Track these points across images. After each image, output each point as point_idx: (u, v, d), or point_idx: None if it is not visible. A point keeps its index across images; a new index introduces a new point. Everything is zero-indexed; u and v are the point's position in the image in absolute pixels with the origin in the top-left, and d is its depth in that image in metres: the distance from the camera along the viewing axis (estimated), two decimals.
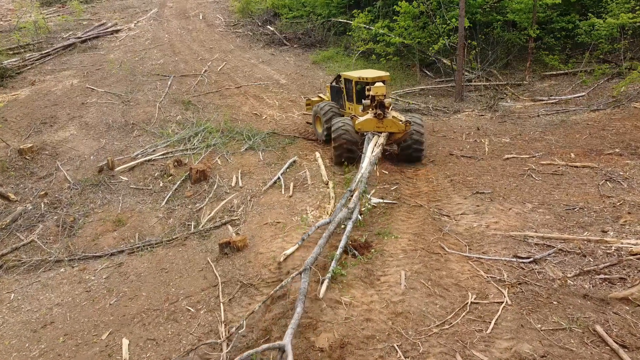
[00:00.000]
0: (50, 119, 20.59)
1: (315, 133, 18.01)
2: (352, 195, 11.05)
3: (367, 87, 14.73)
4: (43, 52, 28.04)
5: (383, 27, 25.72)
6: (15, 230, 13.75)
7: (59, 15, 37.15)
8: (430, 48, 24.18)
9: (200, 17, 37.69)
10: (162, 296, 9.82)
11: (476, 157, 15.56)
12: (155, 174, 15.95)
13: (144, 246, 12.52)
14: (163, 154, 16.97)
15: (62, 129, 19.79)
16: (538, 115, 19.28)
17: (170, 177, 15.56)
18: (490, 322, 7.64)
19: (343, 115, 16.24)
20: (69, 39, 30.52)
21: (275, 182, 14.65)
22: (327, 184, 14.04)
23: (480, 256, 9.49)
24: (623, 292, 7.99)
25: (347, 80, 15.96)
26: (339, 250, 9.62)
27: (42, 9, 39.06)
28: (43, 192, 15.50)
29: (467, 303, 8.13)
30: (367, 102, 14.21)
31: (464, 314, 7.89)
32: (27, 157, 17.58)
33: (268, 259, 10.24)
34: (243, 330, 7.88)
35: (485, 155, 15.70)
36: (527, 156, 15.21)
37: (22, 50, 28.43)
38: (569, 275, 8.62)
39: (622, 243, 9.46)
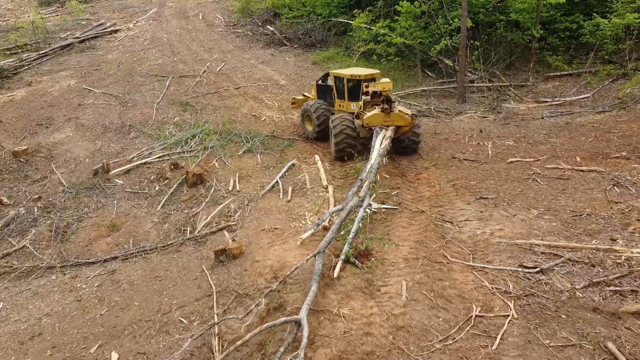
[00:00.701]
0: (46, 121, 20.28)
1: (304, 131, 18.15)
2: (362, 185, 11.54)
3: (366, 84, 15.01)
4: (40, 52, 27.74)
5: (384, 27, 25.35)
6: (7, 235, 13.40)
7: (57, 15, 36.86)
8: (432, 48, 23.82)
9: (200, 17, 37.39)
10: (155, 306, 9.48)
11: (479, 160, 15.19)
12: (151, 178, 15.61)
13: (138, 252, 12.19)
14: (159, 157, 16.64)
15: (57, 130, 19.47)
16: (542, 117, 18.90)
17: (166, 181, 15.22)
18: (495, 337, 7.29)
19: (333, 113, 16.56)
20: (66, 39, 30.22)
21: (273, 186, 14.30)
22: (326, 188, 13.69)
23: (485, 265, 9.14)
24: (635, 305, 7.64)
25: (338, 78, 16.16)
26: (352, 235, 9.98)
27: (41, 9, 38.73)
28: (37, 196, 15.16)
29: (471, 316, 7.78)
30: (367, 98, 14.65)
31: (468, 328, 7.54)
32: (21, 159, 17.25)
33: (264, 268, 9.89)
34: (238, 345, 7.52)
35: (488, 158, 15.33)
36: (532, 160, 14.85)
37: (20, 50, 28.12)
38: (577, 286, 8.26)
39: (632, 252, 9.10)
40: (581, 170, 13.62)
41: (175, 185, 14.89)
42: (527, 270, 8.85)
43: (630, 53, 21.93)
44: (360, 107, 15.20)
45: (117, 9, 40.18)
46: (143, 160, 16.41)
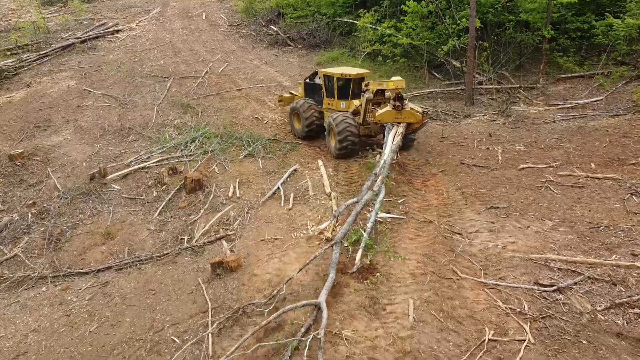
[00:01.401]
0: (44, 123, 19.85)
1: (292, 130, 18.25)
2: (376, 179, 11.90)
3: (365, 82, 15.22)
4: (41, 52, 27.33)
5: (390, 27, 24.75)
6: None
7: (59, 15, 36.49)
8: (439, 49, 23.20)
9: (203, 17, 36.89)
10: (147, 323, 8.97)
11: (489, 166, 14.59)
12: (149, 183, 15.13)
13: (132, 262, 11.70)
14: (158, 161, 16.15)
15: (55, 133, 19.03)
16: (554, 121, 18.26)
17: (164, 187, 14.73)
18: None
19: (321, 112, 17.00)
20: (68, 39, 29.80)
21: (274, 193, 13.78)
22: (329, 196, 13.15)
23: (498, 283, 8.56)
24: None
25: (327, 77, 16.33)
26: (369, 225, 10.35)
27: (43, 9, 38.39)
28: (31, 202, 14.71)
29: (484, 340, 7.21)
30: (369, 96, 14.86)
31: (480, 354, 6.98)
32: (17, 163, 16.82)
33: (263, 282, 9.36)
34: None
35: (498, 164, 14.73)
36: (544, 166, 14.23)
37: (20, 50, 27.72)
38: (598, 308, 7.68)
39: None
40: (597, 178, 13.00)
41: (174, 192, 14.39)
42: (543, 288, 8.28)
43: None
44: (361, 105, 15.27)
45: (120, 9, 39.78)
46: (141, 165, 15.92)
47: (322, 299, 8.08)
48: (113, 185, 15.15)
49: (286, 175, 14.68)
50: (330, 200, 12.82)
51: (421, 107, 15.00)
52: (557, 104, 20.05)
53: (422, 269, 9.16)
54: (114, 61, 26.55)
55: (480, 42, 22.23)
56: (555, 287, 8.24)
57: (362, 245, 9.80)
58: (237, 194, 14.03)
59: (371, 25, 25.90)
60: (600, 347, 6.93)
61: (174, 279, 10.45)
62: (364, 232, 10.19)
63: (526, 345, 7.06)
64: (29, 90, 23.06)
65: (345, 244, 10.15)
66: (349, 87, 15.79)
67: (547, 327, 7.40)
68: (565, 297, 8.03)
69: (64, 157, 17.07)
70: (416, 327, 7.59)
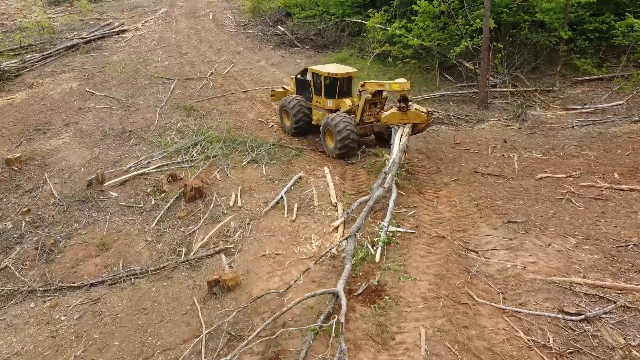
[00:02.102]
0: (45, 126, 19.34)
1: (282, 126, 18.41)
2: (386, 177, 12.26)
3: (361, 82, 15.52)
4: (44, 53, 26.91)
5: (400, 27, 23.98)
6: None
7: (65, 15, 36.14)
8: (452, 51, 22.38)
9: (210, 17, 36.38)
10: (137, 348, 8.33)
11: (505, 175, 13.80)
12: (148, 190, 14.50)
13: (127, 276, 11.08)
14: (158, 167, 15.52)
15: (55, 136, 18.50)
16: (572, 127, 17.40)
17: (163, 195, 14.09)
18: None
19: (310, 109, 17.09)
20: (72, 39, 29.37)
21: (277, 202, 13.09)
22: (335, 206, 12.44)
23: (518, 309, 7.81)
24: None
25: (316, 75, 16.36)
26: (387, 223, 10.72)
27: (50, 9, 38.08)
28: (26, 209, 14.16)
29: None
30: (368, 96, 15.01)
31: None
32: (14, 167, 16.30)
33: (262, 304, 8.67)
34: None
35: (515, 173, 13.92)
36: (564, 175, 13.41)
37: (24, 51, 27.32)
38: (633, 342, 6.90)
39: None
40: (621, 190, 12.17)
41: (172, 200, 13.75)
42: (569, 317, 7.50)
43: None
44: (357, 105, 15.48)
45: (127, 9, 39.39)
46: (140, 171, 15.31)
47: (340, 287, 8.33)
48: (110, 192, 14.55)
49: (290, 183, 14.00)
50: (336, 211, 12.11)
51: (426, 108, 15.08)
52: (576, 109, 19.17)
53: (434, 292, 8.42)
54: (118, 62, 26.06)
55: (495, 43, 21.37)
56: (582, 317, 7.47)
57: (381, 242, 10.12)
58: (239, 203, 13.37)
59: (381, 26, 25.14)
60: None
61: (168, 296, 9.80)
62: (382, 230, 10.51)
63: None
64: (31, 92, 22.61)
65: (353, 261, 9.45)
66: (335, 86, 15.82)
67: None
68: (594, 329, 7.26)
69: (62, 162, 16.52)
70: None
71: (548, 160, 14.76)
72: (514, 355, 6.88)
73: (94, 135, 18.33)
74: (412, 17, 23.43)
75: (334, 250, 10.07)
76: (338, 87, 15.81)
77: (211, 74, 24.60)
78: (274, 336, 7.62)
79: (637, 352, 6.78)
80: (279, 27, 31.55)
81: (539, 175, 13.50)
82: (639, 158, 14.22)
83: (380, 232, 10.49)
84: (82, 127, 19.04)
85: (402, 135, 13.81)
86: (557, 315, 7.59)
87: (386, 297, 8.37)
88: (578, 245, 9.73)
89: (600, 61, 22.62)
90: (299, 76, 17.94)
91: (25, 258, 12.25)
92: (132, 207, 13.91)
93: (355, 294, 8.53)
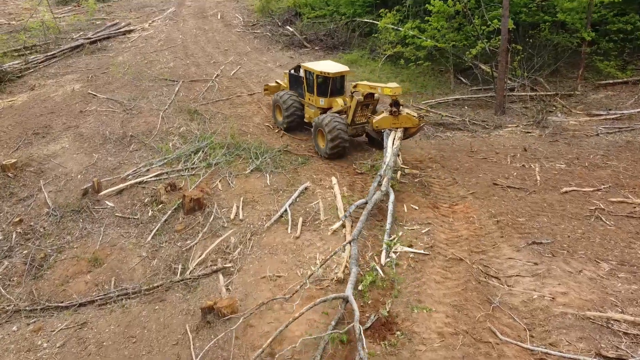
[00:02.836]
0: (44, 129, 18.70)
1: (275, 121, 18.34)
2: (382, 181, 12.20)
3: (354, 84, 15.30)
4: (48, 54, 26.33)
5: (413, 28, 23.00)
6: None
7: (72, 15, 35.64)
8: (467, 52, 21.36)
9: (219, 17, 35.64)
10: None
11: (526, 188, 12.81)
12: (145, 200, 13.75)
13: (118, 297, 10.31)
14: (157, 175, 14.75)
15: (54, 140, 17.85)
16: (597, 134, 16.33)
17: (160, 205, 13.32)
18: None
19: (303, 105, 17.05)
20: (77, 40, 28.78)
21: (281, 216, 12.24)
22: (343, 222, 11.54)
23: (548, 351, 6.87)
24: None
25: (308, 72, 16.26)
26: (388, 226, 10.82)
27: (57, 9, 37.63)
28: (18, 219, 13.49)
29: None
30: (360, 97, 14.83)
31: None
32: (9, 174, 15.65)
33: (260, 337, 7.83)
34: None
35: (537, 186, 12.93)
36: (591, 189, 12.40)
37: (28, 52, 26.77)
38: None
39: None
40: None
41: (170, 212, 12.98)
42: None
43: None
44: (348, 105, 15.38)
45: (134, 8, 38.79)
46: (138, 179, 14.55)
47: (349, 292, 8.20)
48: (106, 202, 13.82)
49: (295, 194, 13.15)
50: (344, 227, 11.22)
51: (417, 112, 15.21)
52: (600, 114, 18.07)
53: (452, 327, 7.51)
54: (122, 63, 25.39)
55: (514, 45, 20.32)
56: None
57: (385, 247, 10.13)
58: (240, 216, 12.54)
59: (393, 26, 24.19)
60: None
61: (159, 323, 9.00)
62: (385, 234, 10.59)
63: None
64: (32, 94, 22.01)
65: (360, 287, 8.57)
66: (328, 85, 15.73)
67: None
68: None
69: (59, 169, 15.83)
70: None
71: (572, 171, 13.73)
72: None
73: (93, 140, 17.64)
74: (426, 18, 22.45)
75: (340, 274, 9.19)
76: (330, 85, 15.71)
77: (217, 75, 23.82)
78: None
79: None
80: (288, 27, 30.70)
81: (564, 189, 12.49)
82: None
83: (391, 254, 9.57)
84: (82, 131, 18.36)
85: (394, 139, 13.83)
86: None
87: (398, 333, 7.48)
88: (612, 272, 8.75)
89: (625, 63, 21.51)
90: (292, 71, 17.74)
91: (13, 273, 11.57)
92: (128, 218, 13.16)
93: (364, 327, 7.63)
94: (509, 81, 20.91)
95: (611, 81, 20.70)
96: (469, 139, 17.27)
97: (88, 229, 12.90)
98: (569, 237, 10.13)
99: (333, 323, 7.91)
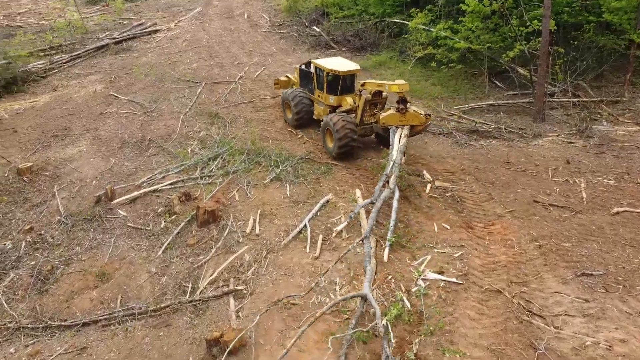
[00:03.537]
0: (63, 131, 18.35)
1: (284, 117, 18.28)
2: (388, 179, 12.07)
3: (361, 82, 15.14)
4: (73, 54, 26.15)
5: (445, 29, 21.77)
6: None
7: (100, 15, 35.64)
8: (504, 55, 20.03)
9: (245, 17, 35.02)
10: None
11: (571, 207, 11.57)
12: (159, 210, 13.08)
13: (123, 317, 9.62)
14: (172, 183, 14.08)
15: (72, 143, 17.45)
16: None
17: (174, 216, 12.62)
18: None
19: (312, 102, 16.89)
20: (103, 39, 28.58)
21: (300, 232, 11.35)
22: (367, 238, 10.56)
23: None
24: None
25: (319, 69, 16.09)
26: (392, 223, 10.84)
27: (86, 8, 37.75)
28: (28, 227, 13.00)
29: None
30: (367, 96, 14.73)
31: None
32: (25, 178, 15.28)
33: None
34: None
35: (583, 205, 11.67)
36: None
37: (53, 52, 26.67)
38: None
39: None
40: None
41: (183, 224, 12.26)
42: None
43: None
44: (357, 104, 15.21)
45: (162, 8, 38.58)
46: (153, 187, 13.90)
47: (367, 290, 8.25)
48: (119, 211, 13.21)
49: (316, 208, 12.25)
50: (369, 247, 10.25)
51: (424, 110, 14.88)
52: None
53: None
54: (146, 64, 24.99)
55: (556, 47, 18.92)
56: None
57: (389, 243, 10.34)
58: (257, 231, 11.71)
59: (424, 27, 23.00)
60: None
61: (162, 352, 8.24)
62: (389, 231, 10.70)
63: None
64: (54, 95, 21.77)
65: (384, 321, 7.60)
66: (338, 83, 15.54)
67: None
68: None
69: (74, 173, 15.36)
70: None
71: (623, 188, 12.40)
72: None
73: (111, 144, 17.15)
74: (460, 18, 21.20)
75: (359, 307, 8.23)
76: (340, 83, 15.52)
77: (240, 77, 23.12)
78: None
79: None
80: (315, 27, 29.83)
81: (615, 209, 11.20)
82: None
83: (418, 281, 8.57)
84: (101, 133, 17.92)
85: (400, 136, 13.69)
86: None
87: None
88: None
89: None
90: (303, 67, 17.49)
91: (18, 286, 11.02)
92: (140, 229, 12.51)
93: None
94: (548, 86, 19.50)
95: None
96: (505, 148, 16.03)
97: (98, 239, 12.30)
98: (624, 268, 8.91)
99: (353, 321, 7.82)
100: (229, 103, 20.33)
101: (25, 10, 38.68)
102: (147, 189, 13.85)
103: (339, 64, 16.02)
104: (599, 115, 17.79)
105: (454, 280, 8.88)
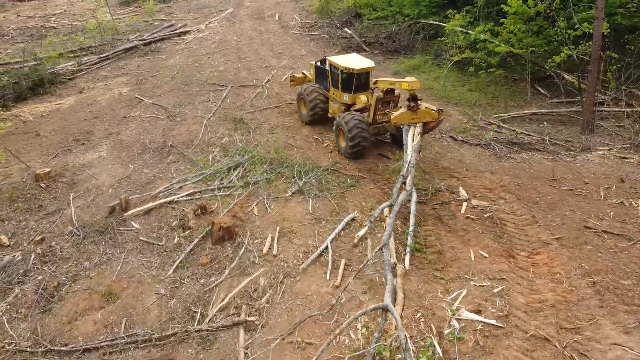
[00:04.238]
0: (85, 135, 17.95)
1: (299, 114, 18.22)
2: (405, 181, 11.82)
3: (374, 80, 15.29)
4: (102, 55, 25.97)
5: (485, 31, 20.41)
6: None
7: (132, 15, 35.62)
8: (549, 60, 18.52)
9: (276, 18, 34.36)
10: None
11: (629, 235, 10.18)
12: (173, 223, 12.34)
13: (126, 344, 8.88)
14: (189, 194, 13.34)
15: (93, 148, 17.01)
16: None
17: (188, 231, 11.85)
18: None
19: (327, 99, 16.79)
20: (132, 41, 28.36)
21: (321, 254, 10.37)
22: (394, 268, 9.51)
23: None
24: None
25: (333, 67, 15.90)
26: (411, 228, 10.59)
27: (119, 9, 37.89)
28: (40, 237, 12.49)
29: None
30: (379, 94, 14.64)
31: None
32: (42, 184, 14.86)
33: None
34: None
35: None
36: None
37: (82, 53, 26.56)
38: None
39: None
40: None
41: (197, 240, 11.46)
42: None
43: None
44: (370, 103, 15.05)
45: (194, 9, 38.36)
46: (169, 199, 13.19)
47: (387, 301, 8.00)
48: (132, 223, 12.55)
49: (340, 226, 11.28)
50: (396, 277, 9.18)
51: (436, 106, 14.56)
52: None
53: None
54: (173, 66, 24.53)
55: (608, 52, 17.32)
56: None
57: (409, 249, 10.07)
58: (274, 251, 10.81)
59: (462, 29, 21.67)
60: None
61: None
62: (408, 236, 10.46)
63: None
64: (80, 97, 21.51)
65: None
66: (352, 81, 15.33)
67: None
68: None
69: (91, 180, 14.84)
70: None
71: None
72: None
73: (132, 149, 16.62)
74: (500, 20, 19.81)
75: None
76: (355, 81, 15.30)
77: (268, 81, 22.35)
78: None
79: None
80: (347, 29, 28.81)
81: None
82: None
83: (452, 321, 7.46)
84: (123, 138, 17.42)
85: (414, 135, 13.51)
86: None
87: None
88: None
89: None
90: (318, 64, 17.35)
91: (22, 303, 10.46)
92: (152, 244, 11.80)
93: None
94: (598, 94, 17.89)
95: None
96: (549, 163, 14.65)
97: (109, 254, 11.64)
98: None
99: (376, 335, 7.54)
100: (255, 108, 19.57)
101: (61, 11, 39.15)
102: (162, 200, 13.15)
103: (353, 61, 15.74)
104: None
105: (494, 322, 7.73)
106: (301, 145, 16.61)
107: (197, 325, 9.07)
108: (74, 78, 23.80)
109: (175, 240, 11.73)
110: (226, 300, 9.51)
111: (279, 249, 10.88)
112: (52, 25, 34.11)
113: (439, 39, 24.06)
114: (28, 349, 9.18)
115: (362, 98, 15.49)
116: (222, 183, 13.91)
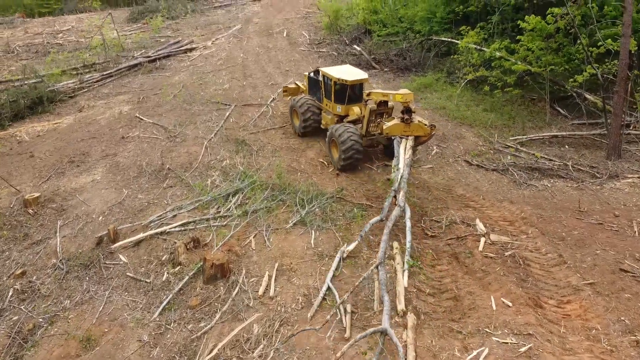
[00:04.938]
0: (81, 157, 17.17)
1: (292, 125, 18.11)
2: (396, 195, 11.57)
3: (368, 92, 15.30)
4: (104, 73, 25.36)
5: (500, 48, 19.40)
6: None
7: (139, 32, 35.19)
8: (570, 80, 17.42)
9: (284, 34, 33.69)
10: None
11: None
12: (163, 257, 11.37)
13: None
14: (182, 225, 12.37)
15: (87, 171, 16.19)
16: None
17: (178, 267, 10.84)
18: None
19: (320, 110, 16.66)
20: (137, 58, 27.78)
21: (324, 298, 9.28)
22: (403, 316, 8.39)
23: None
24: None
25: (327, 78, 15.88)
26: (408, 245, 10.08)
27: (127, 26, 37.58)
28: (20, 271, 11.60)
29: None
30: (373, 106, 14.65)
31: None
32: (30, 210, 14.05)
33: None
34: None
35: None
36: None
37: (85, 70, 25.98)
38: None
39: None
40: None
41: (187, 277, 10.44)
42: None
43: None
44: (363, 115, 15.07)
45: (201, 26, 37.87)
46: (160, 229, 12.22)
47: (386, 325, 7.89)
48: (120, 256, 11.59)
49: (334, 263, 10.16)
50: (406, 330, 8.05)
51: (428, 120, 14.53)
52: None
53: None
54: (176, 83, 23.79)
55: (635, 70, 16.19)
56: None
57: (406, 265, 9.68)
58: (271, 292, 9.75)
59: (476, 46, 20.67)
60: None
61: None
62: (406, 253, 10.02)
63: None
64: (79, 116, 20.81)
65: None
66: (345, 92, 15.29)
67: None
68: None
69: (82, 207, 13.98)
70: None
71: None
72: None
73: (128, 172, 15.77)
74: (517, 37, 18.80)
75: None
76: (348, 93, 15.26)
77: (273, 99, 21.47)
78: None
79: None
80: (356, 46, 27.98)
81: None
82: None
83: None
84: (119, 160, 16.60)
85: (405, 147, 13.29)
86: None
87: None
88: None
89: None
90: (311, 75, 17.28)
91: None
92: (139, 281, 10.80)
93: None
94: (625, 116, 16.69)
95: None
96: (573, 191, 13.50)
97: (92, 291, 10.68)
98: None
99: (374, 359, 7.37)
100: (258, 128, 18.66)
101: (69, 28, 38.93)
102: (153, 231, 12.18)
103: (346, 72, 15.71)
104: None
105: None
106: (305, 169, 15.62)
107: None
108: (75, 96, 23.16)
109: (164, 277, 10.73)
110: (215, 351, 8.44)
111: (276, 289, 9.82)
112: (58, 42, 33.78)
113: (451, 56, 23.08)
114: None
115: (356, 110, 15.36)
116: (219, 212, 12.94)
